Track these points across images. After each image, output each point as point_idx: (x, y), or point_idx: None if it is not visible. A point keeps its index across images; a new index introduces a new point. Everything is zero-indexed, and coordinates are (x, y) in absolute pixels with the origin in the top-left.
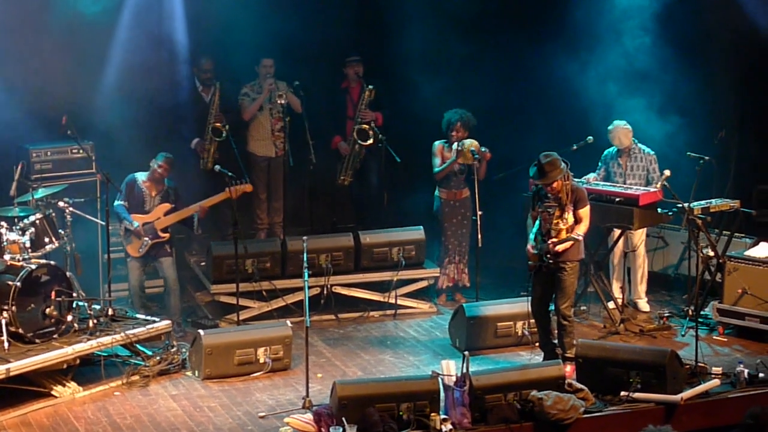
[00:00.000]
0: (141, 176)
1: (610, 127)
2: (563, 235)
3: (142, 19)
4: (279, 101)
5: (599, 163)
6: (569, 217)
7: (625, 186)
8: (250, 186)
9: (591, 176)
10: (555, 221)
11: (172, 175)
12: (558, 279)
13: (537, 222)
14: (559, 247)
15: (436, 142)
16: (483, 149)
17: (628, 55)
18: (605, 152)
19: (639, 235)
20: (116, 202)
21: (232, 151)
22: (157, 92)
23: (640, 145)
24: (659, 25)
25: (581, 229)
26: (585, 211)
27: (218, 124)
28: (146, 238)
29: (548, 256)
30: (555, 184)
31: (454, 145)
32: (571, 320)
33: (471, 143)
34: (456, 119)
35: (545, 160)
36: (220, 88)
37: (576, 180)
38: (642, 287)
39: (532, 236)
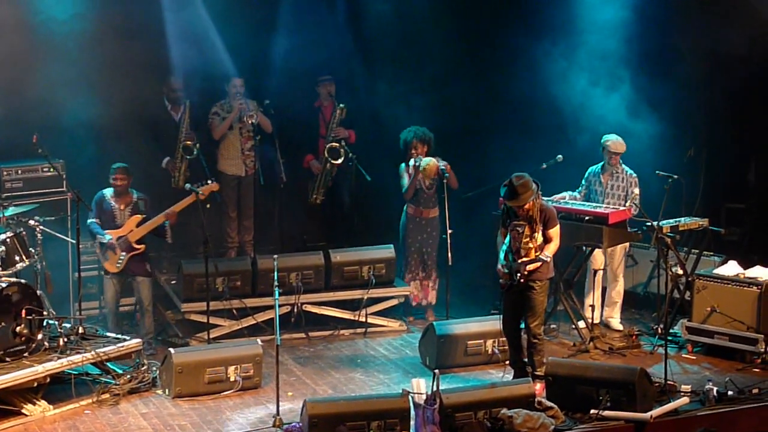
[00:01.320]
0: (108, 192)
1: (606, 138)
2: (532, 254)
3: (111, 36)
4: (249, 121)
5: (582, 181)
6: (538, 236)
7: (594, 205)
8: (216, 185)
9: (567, 194)
10: (524, 240)
11: (141, 187)
12: (527, 297)
13: (507, 239)
14: (529, 267)
15: (402, 164)
16: (441, 164)
17: (596, 74)
18: (589, 170)
19: (618, 256)
20: (89, 220)
21: (202, 168)
22: (127, 111)
23: (624, 166)
24: (627, 42)
25: (550, 250)
26: (555, 231)
27: (189, 142)
28: (123, 252)
29: (518, 274)
30: (527, 205)
31: (411, 161)
32: (541, 338)
33: (429, 164)
34: (411, 137)
35: (518, 182)
36: (189, 107)
37: (546, 198)
38: (617, 308)
39: (502, 255)
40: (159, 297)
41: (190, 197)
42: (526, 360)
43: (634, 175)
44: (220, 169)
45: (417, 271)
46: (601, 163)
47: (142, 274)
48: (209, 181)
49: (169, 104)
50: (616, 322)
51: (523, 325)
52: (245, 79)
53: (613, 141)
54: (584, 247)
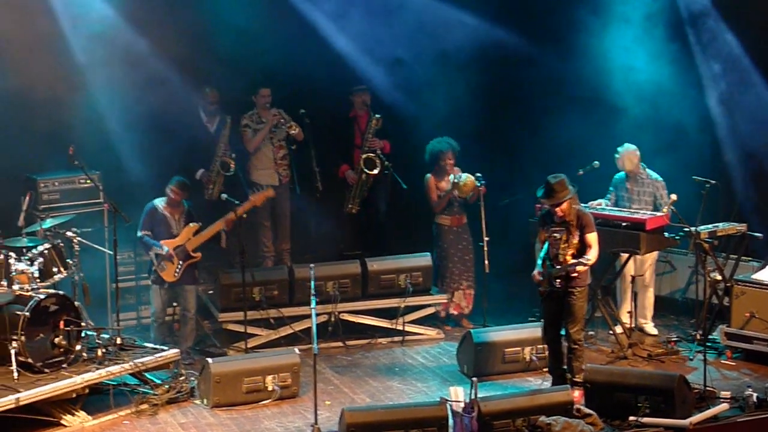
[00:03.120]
0: (160, 202)
1: (618, 151)
2: (569, 260)
3: (145, 47)
4: (290, 131)
5: (610, 188)
6: (575, 241)
7: (631, 210)
8: (271, 190)
9: (599, 201)
10: (562, 246)
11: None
12: (567, 303)
13: (545, 247)
14: (579, 269)
15: (427, 176)
16: (479, 184)
17: (633, 79)
18: (615, 177)
19: (649, 260)
20: (139, 233)
21: (238, 181)
22: (163, 123)
23: (648, 170)
24: (662, 47)
25: (592, 254)
26: (593, 237)
27: (228, 159)
28: (180, 261)
29: (557, 280)
30: (563, 206)
31: (451, 177)
32: (581, 344)
33: (467, 181)
34: (447, 148)
35: (554, 180)
36: (230, 122)
37: (583, 205)
38: (649, 311)
39: (539, 261)
40: (197, 307)
41: (247, 203)
42: (565, 367)
43: (660, 179)
44: (254, 179)
45: (461, 280)
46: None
47: (190, 283)
48: (265, 187)
49: (204, 116)
50: (650, 327)
51: (563, 332)
52: (273, 89)
53: (623, 159)
54: (621, 253)
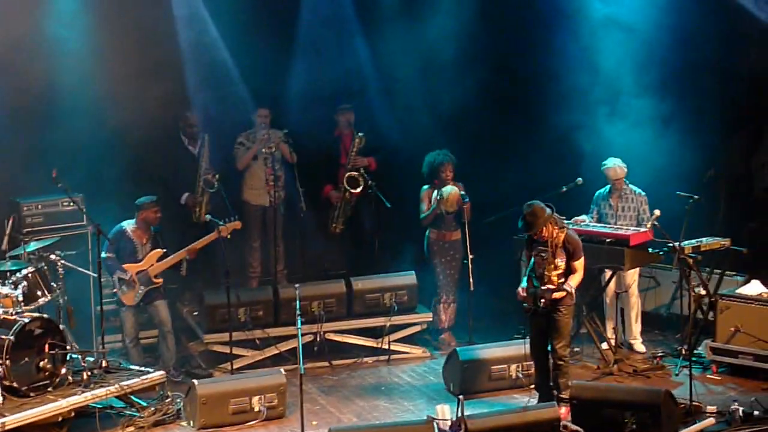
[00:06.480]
0: (128, 225)
1: (604, 164)
2: (554, 279)
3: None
4: (265, 150)
5: (591, 206)
6: (561, 264)
7: (615, 227)
8: (239, 223)
9: (582, 217)
10: (548, 266)
11: (161, 222)
12: (553, 320)
13: (531, 262)
14: (555, 295)
15: (424, 187)
16: (465, 200)
17: (618, 94)
18: (596, 193)
19: (632, 276)
20: (103, 255)
21: (223, 201)
22: (144, 146)
23: (631, 186)
24: (648, 61)
25: (575, 281)
26: (580, 263)
27: (209, 176)
28: (141, 287)
29: (542, 300)
30: (543, 231)
31: (434, 193)
32: (567, 361)
33: (451, 194)
34: (446, 160)
35: (527, 209)
36: (208, 141)
37: (567, 221)
38: (637, 328)
39: (525, 279)
40: (181, 329)
41: (212, 234)
42: (551, 383)
43: (643, 194)
44: (245, 198)
45: (441, 294)
46: (608, 187)
47: (159, 298)
48: (232, 219)
49: (186, 139)
50: (638, 344)
51: (549, 348)
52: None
53: (612, 168)
54: (605, 270)
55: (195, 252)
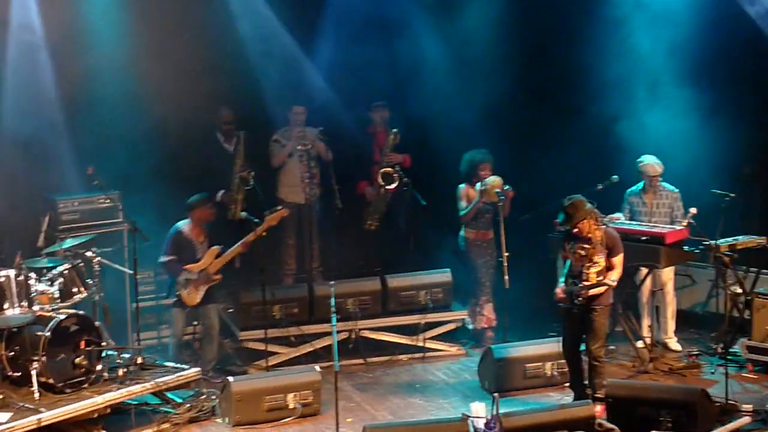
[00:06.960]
0: (184, 225)
1: (641, 160)
2: (593, 278)
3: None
4: (301, 148)
5: (623, 204)
6: (600, 260)
7: (650, 224)
8: (285, 210)
9: (617, 215)
10: (587, 264)
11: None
12: (589, 320)
13: (567, 263)
14: (592, 292)
15: (461, 185)
16: (506, 187)
17: (657, 92)
18: (627, 191)
19: (667, 274)
20: (163, 259)
21: (259, 198)
22: (180, 144)
23: (664, 183)
24: (685, 61)
25: (614, 275)
26: (619, 259)
27: (244, 174)
28: (202, 286)
29: (579, 298)
30: (581, 226)
31: (477, 185)
32: (602, 361)
33: (494, 181)
34: (485, 158)
35: (567, 203)
36: (244, 138)
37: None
38: (672, 326)
39: (562, 279)
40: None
41: (264, 224)
42: (586, 382)
43: (676, 191)
44: (280, 196)
45: (490, 293)
46: (640, 184)
47: (212, 302)
48: (278, 208)
49: (221, 136)
50: (673, 343)
51: (583, 347)
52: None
53: (650, 164)
54: (641, 268)
55: (248, 245)
